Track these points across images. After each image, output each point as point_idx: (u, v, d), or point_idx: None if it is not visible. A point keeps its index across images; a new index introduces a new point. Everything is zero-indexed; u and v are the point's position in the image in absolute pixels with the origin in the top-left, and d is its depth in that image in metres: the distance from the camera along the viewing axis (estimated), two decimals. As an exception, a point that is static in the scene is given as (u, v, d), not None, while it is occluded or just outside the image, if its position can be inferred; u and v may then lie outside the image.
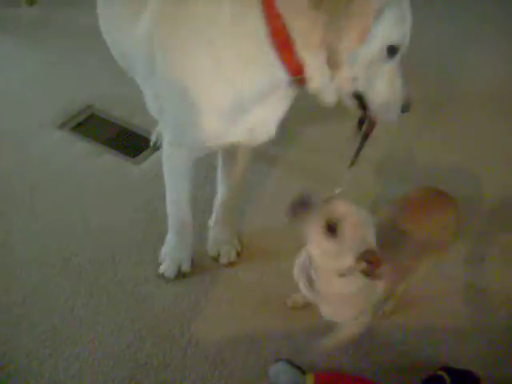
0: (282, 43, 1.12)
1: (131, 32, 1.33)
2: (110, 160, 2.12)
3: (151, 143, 2.17)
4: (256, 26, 1.12)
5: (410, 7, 1.15)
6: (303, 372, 1.47)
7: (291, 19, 1.10)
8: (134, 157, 2.13)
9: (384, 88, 1.21)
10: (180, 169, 1.51)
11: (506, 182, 2.17)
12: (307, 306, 1.56)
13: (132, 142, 2.20)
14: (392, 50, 1.14)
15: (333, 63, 1.13)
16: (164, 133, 1.49)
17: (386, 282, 1.27)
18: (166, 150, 1.47)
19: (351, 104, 1.26)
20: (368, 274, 1.12)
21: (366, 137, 1.33)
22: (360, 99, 1.24)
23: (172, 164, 1.50)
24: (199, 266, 1.79)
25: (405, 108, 1.26)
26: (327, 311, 1.35)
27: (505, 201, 2.10)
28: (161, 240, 1.77)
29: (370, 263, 1.10)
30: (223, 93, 1.22)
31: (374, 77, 1.18)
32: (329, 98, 1.23)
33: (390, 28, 1.11)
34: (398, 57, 1.18)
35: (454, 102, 2.57)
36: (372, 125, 1.30)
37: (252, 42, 1.15)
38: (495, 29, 3.11)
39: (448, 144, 2.34)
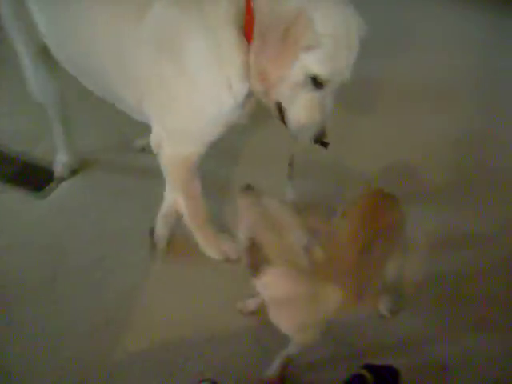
0: None
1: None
2: (12, 197, 2.03)
3: (56, 174, 2.11)
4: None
5: (352, 51, 1.33)
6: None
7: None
8: (39, 191, 2.05)
9: (300, 112, 1.38)
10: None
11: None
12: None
13: (36, 176, 2.12)
14: (316, 82, 1.32)
15: (266, 81, 1.36)
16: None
17: (342, 301, 1.27)
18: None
19: (276, 115, 1.44)
20: (249, 266, 1.15)
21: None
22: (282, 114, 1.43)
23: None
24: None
25: (316, 140, 1.42)
26: (271, 316, 1.34)
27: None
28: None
29: (251, 254, 1.14)
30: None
31: (295, 99, 1.37)
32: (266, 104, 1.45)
33: (316, 63, 1.29)
34: (327, 89, 1.35)
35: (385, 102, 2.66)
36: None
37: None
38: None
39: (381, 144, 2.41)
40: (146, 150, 1.93)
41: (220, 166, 2.16)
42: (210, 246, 1.80)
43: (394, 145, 2.38)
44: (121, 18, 1.46)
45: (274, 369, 1.52)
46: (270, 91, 1.38)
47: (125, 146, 2.25)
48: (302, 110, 1.38)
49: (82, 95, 1.88)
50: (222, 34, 1.36)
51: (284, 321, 1.34)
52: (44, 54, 1.72)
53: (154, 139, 1.62)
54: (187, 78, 1.42)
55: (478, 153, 2.42)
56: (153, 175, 1.76)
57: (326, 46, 1.28)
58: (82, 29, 1.53)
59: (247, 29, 1.35)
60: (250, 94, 1.47)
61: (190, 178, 1.65)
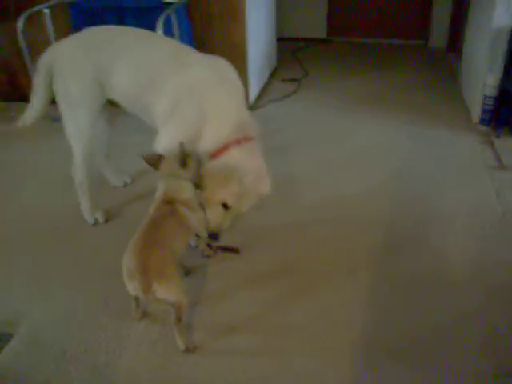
0: None
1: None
2: None
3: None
4: None
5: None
6: None
7: None
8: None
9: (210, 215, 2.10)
10: None
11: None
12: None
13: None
14: (225, 206, 2.06)
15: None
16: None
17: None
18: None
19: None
20: None
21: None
22: None
23: None
24: None
25: (210, 237, 2.13)
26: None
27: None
28: None
29: None
30: None
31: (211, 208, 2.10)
32: None
33: (230, 198, 2.05)
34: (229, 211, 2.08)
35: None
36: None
37: None
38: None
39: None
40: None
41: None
42: None
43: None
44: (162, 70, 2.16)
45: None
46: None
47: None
48: (209, 216, 2.10)
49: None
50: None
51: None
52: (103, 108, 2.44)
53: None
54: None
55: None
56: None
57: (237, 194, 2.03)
58: (140, 75, 2.22)
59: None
60: None
61: None
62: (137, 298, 1.95)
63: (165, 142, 2.15)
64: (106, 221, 2.67)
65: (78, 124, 2.40)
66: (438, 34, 5.51)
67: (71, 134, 2.43)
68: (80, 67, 2.29)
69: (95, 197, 2.67)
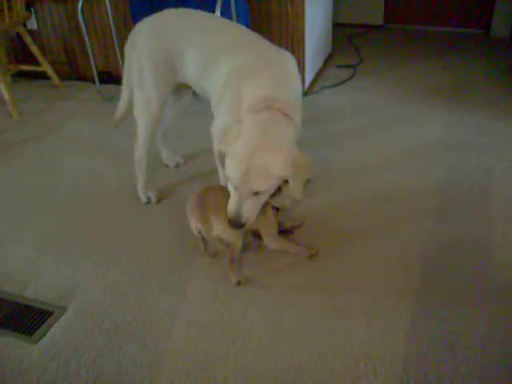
0: None
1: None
2: (1, 343, 1.90)
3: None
4: None
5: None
6: None
7: None
8: (30, 335, 1.91)
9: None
10: None
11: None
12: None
13: (27, 319, 1.98)
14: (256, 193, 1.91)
15: None
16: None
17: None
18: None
19: None
20: None
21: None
22: None
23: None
24: None
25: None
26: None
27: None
28: None
29: None
30: None
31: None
32: None
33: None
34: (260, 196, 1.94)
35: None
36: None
37: None
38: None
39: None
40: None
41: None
42: None
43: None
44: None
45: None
46: None
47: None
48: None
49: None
50: None
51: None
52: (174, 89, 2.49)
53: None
54: None
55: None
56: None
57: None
58: (204, 59, 2.23)
59: None
60: None
61: None
62: (203, 240, 2.21)
63: (216, 127, 2.17)
64: (159, 201, 2.70)
65: (147, 102, 2.42)
66: (502, 23, 5.28)
67: (139, 109, 2.47)
68: (154, 47, 2.32)
69: (150, 176, 2.71)
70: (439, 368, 1.72)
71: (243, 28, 2.35)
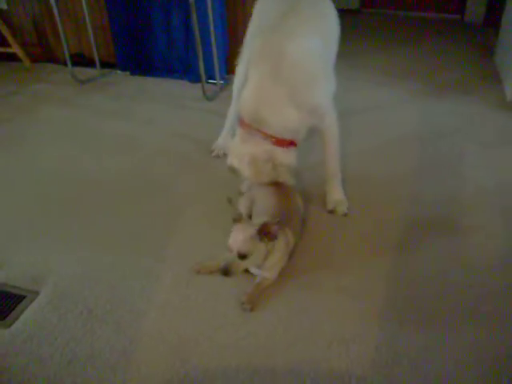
0: None
1: None
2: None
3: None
4: None
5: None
6: None
7: None
8: (2, 319, 1.89)
9: None
10: None
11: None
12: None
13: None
14: None
15: None
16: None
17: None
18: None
19: None
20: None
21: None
22: None
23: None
24: None
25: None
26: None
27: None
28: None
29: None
30: None
31: None
32: None
33: None
34: None
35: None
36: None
37: None
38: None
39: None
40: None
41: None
42: None
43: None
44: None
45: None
46: None
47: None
48: None
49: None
50: None
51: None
52: None
53: None
54: None
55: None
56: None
57: None
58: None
59: None
60: None
61: None
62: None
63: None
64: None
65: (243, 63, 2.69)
66: (475, 8, 5.34)
67: (238, 71, 2.77)
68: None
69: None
70: (409, 346, 1.76)
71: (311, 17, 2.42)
